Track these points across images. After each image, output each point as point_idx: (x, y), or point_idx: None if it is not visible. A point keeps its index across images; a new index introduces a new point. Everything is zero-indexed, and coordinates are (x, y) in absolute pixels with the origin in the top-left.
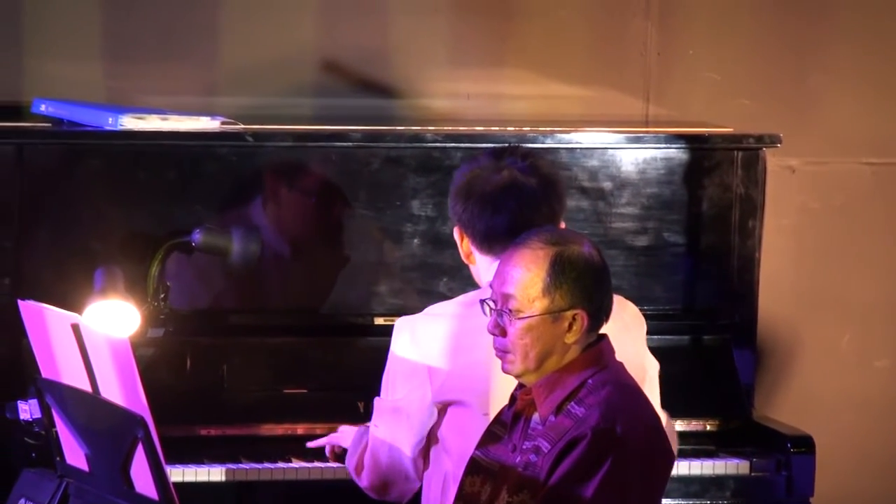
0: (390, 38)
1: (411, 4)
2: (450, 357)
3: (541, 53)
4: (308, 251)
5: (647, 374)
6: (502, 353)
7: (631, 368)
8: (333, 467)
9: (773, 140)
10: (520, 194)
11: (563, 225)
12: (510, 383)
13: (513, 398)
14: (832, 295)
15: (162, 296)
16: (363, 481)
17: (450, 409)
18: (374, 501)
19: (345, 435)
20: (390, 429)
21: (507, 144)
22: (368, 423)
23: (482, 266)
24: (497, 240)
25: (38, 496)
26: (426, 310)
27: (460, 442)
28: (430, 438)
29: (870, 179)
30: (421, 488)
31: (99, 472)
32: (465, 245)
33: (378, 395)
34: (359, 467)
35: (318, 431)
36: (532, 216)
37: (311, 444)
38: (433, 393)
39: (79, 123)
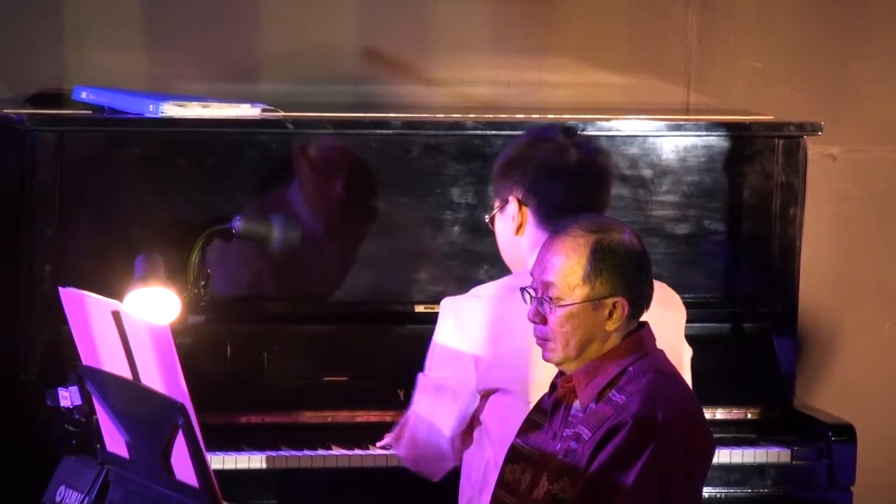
0: (431, 25)
1: None
2: (494, 344)
3: (582, 41)
4: (348, 238)
5: (682, 361)
6: (543, 340)
7: (669, 355)
8: (373, 454)
9: (814, 128)
10: (597, 175)
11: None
12: (552, 371)
13: (553, 386)
14: (873, 282)
15: (202, 283)
16: (400, 451)
17: (493, 396)
18: (413, 489)
19: None
20: (432, 406)
21: (568, 123)
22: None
23: (532, 242)
24: (565, 216)
25: (79, 483)
26: (472, 290)
27: (502, 428)
28: (474, 421)
29: None
30: (460, 469)
31: (139, 459)
32: (521, 215)
33: (422, 371)
34: (398, 438)
35: (358, 419)
36: (600, 198)
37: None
38: (478, 379)
39: (120, 111)
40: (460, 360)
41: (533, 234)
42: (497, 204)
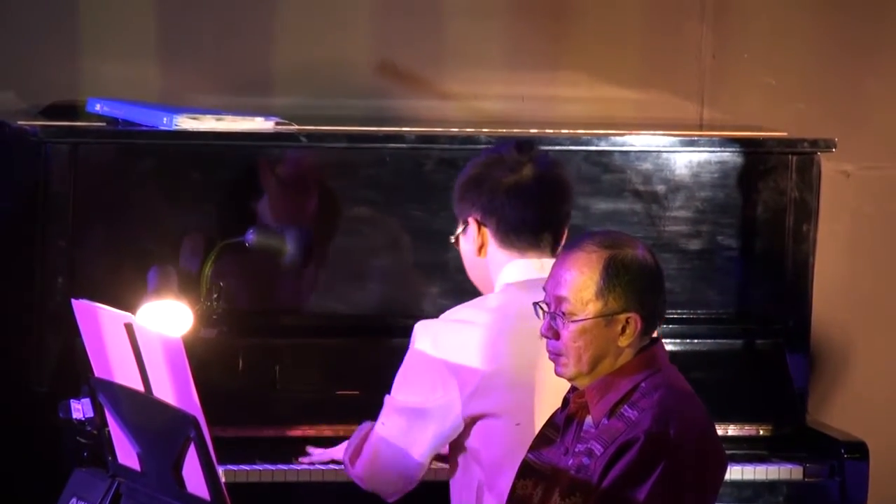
0: (445, 39)
1: (466, 6)
2: (476, 370)
3: (595, 56)
4: (361, 252)
5: None
6: (555, 355)
7: None
8: None
9: (828, 145)
10: (553, 190)
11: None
12: (534, 388)
13: (566, 401)
14: (886, 300)
15: (215, 296)
16: (356, 469)
17: (479, 423)
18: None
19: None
20: (402, 430)
21: (524, 138)
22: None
23: (495, 261)
24: (522, 233)
25: (90, 495)
26: (446, 315)
27: (493, 452)
28: (457, 448)
29: None
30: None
31: (151, 471)
32: (481, 236)
33: (388, 393)
34: (354, 456)
35: None
36: (558, 213)
37: (312, 453)
38: (462, 406)
39: (134, 123)
40: (442, 386)
41: (495, 253)
42: (459, 225)
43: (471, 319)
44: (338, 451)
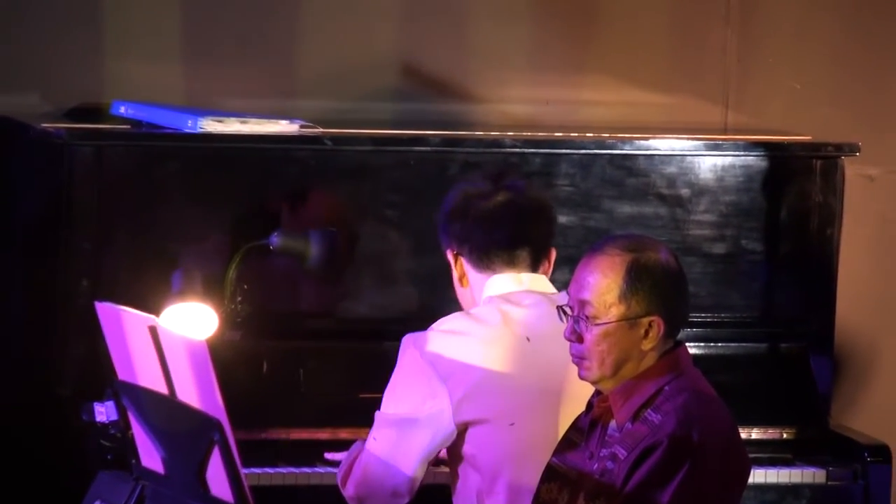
0: (470, 42)
1: (492, 9)
2: (464, 377)
3: (620, 60)
4: (385, 255)
5: None
6: (579, 359)
7: None
8: None
9: (852, 149)
10: (518, 211)
11: (552, 251)
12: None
13: (589, 405)
14: None
15: (239, 298)
16: (348, 490)
17: (471, 430)
18: None
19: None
20: (392, 443)
21: (500, 169)
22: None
23: (476, 285)
24: (494, 254)
25: (114, 498)
26: (433, 326)
27: (489, 457)
28: (455, 457)
29: None
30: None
31: (175, 474)
32: (459, 266)
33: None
34: (346, 476)
35: None
36: (528, 232)
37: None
38: (453, 413)
39: (158, 126)
40: (431, 395)
41: (474, 279)
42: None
43: (458, 329)
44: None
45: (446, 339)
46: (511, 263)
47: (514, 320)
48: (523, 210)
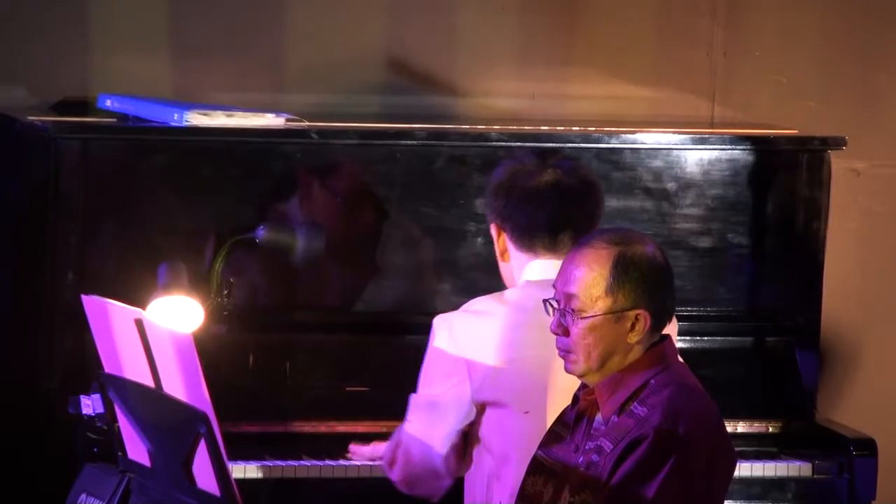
0: (457, 36)
1: (478, 3)
2: (488, 355)
3: (607, 53)
4: (371, 248)
5: None
6: (565, 352)
7: None
8: None
9: (839, 143)
10: (563, 192)
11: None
12: (544, 381)
13: (575, 398)
14: None
15: (225, 292)
16: (394, 475)
17: (488, 410)
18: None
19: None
20: (424, 424)
21: (548, 149)
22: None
23: (517, 264)
24: (536, 236)
25: (100, 491)
26: (464, 306)
27: (501, 441)
28: (472, 439)
29: None
30: (463, 487)
31: (161, 467)
32: (501, 241)
33: (415, 392)
34: (392, 461)
35: (380, 430)
36: (572, 215)
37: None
38: (473, 390)
39: (144, 119)
40: (455, 373)
41: (515, 256)
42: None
43: (486, 310)
44: (378, 449)
45: (474, 319)
46: (552, 248)
47: None
48: (568, 191)
